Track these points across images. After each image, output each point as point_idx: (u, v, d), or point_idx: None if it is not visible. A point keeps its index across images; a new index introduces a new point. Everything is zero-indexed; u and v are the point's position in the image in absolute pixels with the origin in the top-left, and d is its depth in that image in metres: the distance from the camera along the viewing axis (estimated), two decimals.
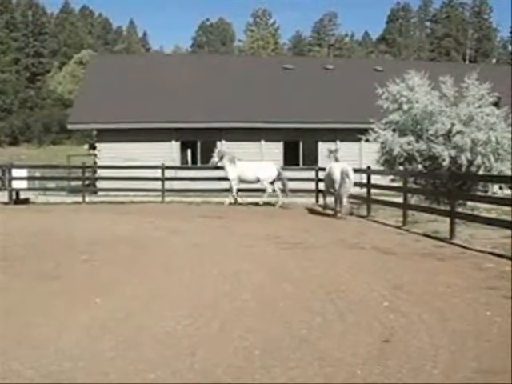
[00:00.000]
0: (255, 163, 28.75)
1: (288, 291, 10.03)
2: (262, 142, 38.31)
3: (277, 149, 38.39)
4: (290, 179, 27.84)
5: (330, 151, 25.16)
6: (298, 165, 37.78)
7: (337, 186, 22.57)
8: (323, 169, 30.54)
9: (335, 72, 45.60)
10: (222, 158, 27.53)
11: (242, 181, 27.51)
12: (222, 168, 27.55)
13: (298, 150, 38.76)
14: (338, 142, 38.56)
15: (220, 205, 26.79)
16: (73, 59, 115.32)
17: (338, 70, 46.06)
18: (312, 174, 29.53)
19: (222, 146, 37.15)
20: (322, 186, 28.87)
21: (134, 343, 7.41)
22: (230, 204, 26.87)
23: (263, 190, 27.28)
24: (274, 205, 26.79)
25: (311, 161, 37.42)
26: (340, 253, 14.07)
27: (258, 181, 27.36)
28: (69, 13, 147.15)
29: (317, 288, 10.22)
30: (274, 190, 27.25)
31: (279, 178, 27.41)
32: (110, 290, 10.23)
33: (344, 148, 37.69)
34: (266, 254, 13.80)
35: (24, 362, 6.76)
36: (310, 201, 27.91)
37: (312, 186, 29.12)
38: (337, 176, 22.57)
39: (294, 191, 28.08)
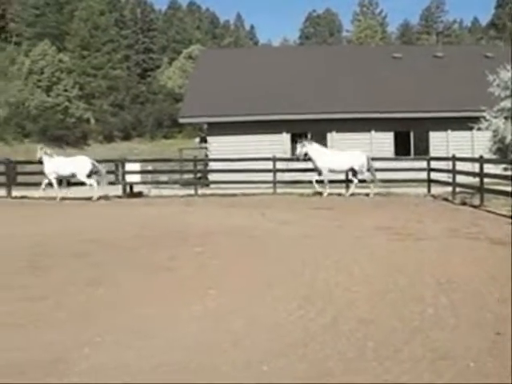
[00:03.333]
0: (70, 159, 28.71)
1: (400, 282, 10.00)
2: (373, 133, 37.99)
3: (387, 139, 38.02)
4: (401, 170, 27.81)
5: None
6: (408, 155, 37.13)
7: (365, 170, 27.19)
8: (436, 158, 30.24)
9: (445, 60, 44.72)
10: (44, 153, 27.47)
11: (60, 176, 27.36)
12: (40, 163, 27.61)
13: (408, 139, 38.26)
14: (449, 131, 37.99)
15: (332, 196, 26.65)
16: (182, 54, 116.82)
17: (447, 57, 45.14)
18: (423, 164, 29.15)
19: (333, 136, 37.18)
20: (435, 175, 28.49)
21: (247, 334, 7.52)
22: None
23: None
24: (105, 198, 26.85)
25: (422, 151, 36.89)
26: (452, 243, 13.88)
27: (73, 176, 27.35)
28: (176, 9, 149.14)
29: (429, 279, 10.14)
30: (91, 185, 27.03)
31: (94, 171, 27.27)
32: (222, 282, 10.38)
33: (456, 137, 37.24)
34: (378, 245, 13.75)
35: (137, 352, 6.97)
36: (421, 191, 27.48)
37: (423, 175, 28.65)
38: (364, 161, 27.19)
39: (405, 181, 27.93)
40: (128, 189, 28.79)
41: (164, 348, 7.07)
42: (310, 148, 27.54)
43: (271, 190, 28.38)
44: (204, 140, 44.29)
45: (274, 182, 28.76)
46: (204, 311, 8.61)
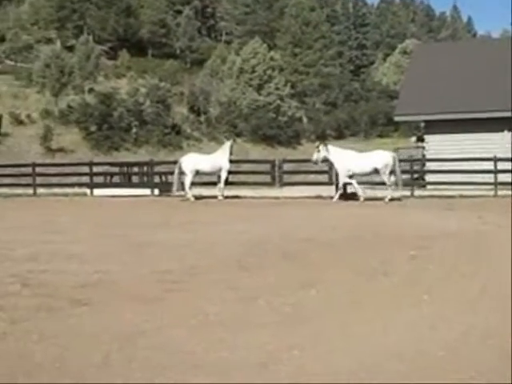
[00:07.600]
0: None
1: None
2: None
3: None
4: None
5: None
6: None
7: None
8: None
9: None
10: None
11: None
12: None
13: None
14: None
15: None
16: (397, 49, 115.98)
17: None
18: None
19: None
20: None
21: (463, 343, 7.42)
22: None
23: None
24: None
25: None
26: None
27: None
28: (390, 2, 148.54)
29: None
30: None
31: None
32: (437, 287, 10.26)
33: None
34: None
35: (348, 357, 6.93)
36: None
37: None
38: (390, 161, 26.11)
39: None
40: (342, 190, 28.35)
41: (377, 354, 7.06)
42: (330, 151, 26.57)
43: (492, 192, 27.22)
44: (421, 139, 43.43)
45: (495, 184, 27.58)
46: (418, 318, 8.56)
